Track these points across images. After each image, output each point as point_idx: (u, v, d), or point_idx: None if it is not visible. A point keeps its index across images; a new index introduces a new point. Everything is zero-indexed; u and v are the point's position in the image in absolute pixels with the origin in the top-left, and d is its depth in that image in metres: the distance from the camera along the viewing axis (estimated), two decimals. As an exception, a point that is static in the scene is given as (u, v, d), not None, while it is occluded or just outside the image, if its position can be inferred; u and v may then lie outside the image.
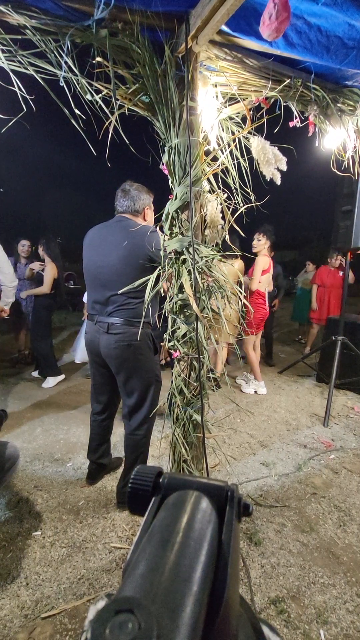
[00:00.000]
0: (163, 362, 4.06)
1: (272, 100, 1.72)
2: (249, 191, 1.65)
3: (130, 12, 1.27)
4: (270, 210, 1.78)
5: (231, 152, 1.63)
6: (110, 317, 1.68)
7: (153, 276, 1.54)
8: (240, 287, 1.63)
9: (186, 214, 1.50)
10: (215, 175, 1.59)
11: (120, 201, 1.74)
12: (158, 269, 1.55)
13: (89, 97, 1.41)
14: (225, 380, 3.43)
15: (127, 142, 1.46)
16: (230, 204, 1.62)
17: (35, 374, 4.01)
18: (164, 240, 1.55)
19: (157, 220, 1.62)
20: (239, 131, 1.68)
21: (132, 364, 1.71)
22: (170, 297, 1.58)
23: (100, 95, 1.42)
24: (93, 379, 1.94)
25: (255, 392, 3.62)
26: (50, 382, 3.76)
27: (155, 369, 1.79)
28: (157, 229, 1.64)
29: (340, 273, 4.98)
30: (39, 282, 3.79)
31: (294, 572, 1.51)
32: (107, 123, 1.45)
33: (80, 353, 3.73)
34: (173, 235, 1.54)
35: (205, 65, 1.54)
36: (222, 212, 1.61)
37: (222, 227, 1.63)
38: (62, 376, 3.90)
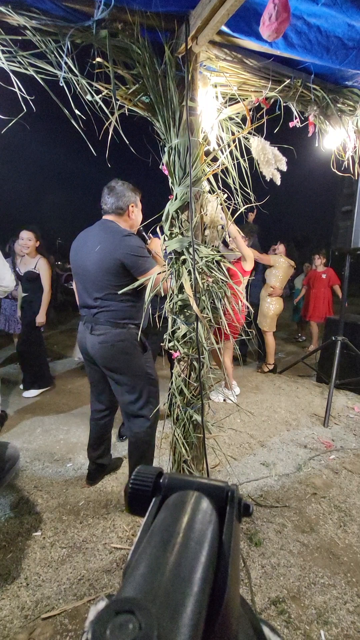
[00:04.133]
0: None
1: (272, 100, 1.72)
2: (249, 191, 1.65)
3: (130, 13, 1.28)
4: (270, 211, 1.78)
5: (231, 153, 1.63)
6: (94, 318, 1.72)
7: (155, 279, 1.54)
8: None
9: (186, 214, 1.50)
10: (215, 176, 1.59)
11: (105, 198, 1.72)
12: (159, 270, 1.55)
13: (89, 97, 1.41)
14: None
15: (127, 142, 1.46)
16: (230, 204, 1.63)
17: (26, 394, 3.42)
18: (164, 240, 1.55)
19: (155, 221, 1.62)
20: (239, 131, 1.68)
21: (118, 364, 1.72)
22: (170, 297, 1.59)
23: (100, 95, 1.42)
24: (90, 377, 1.95)
25: (225, 400, 3.41)
26: (33, 392, 3.42)
27: (145, 368, 1.79)
28: (136, 231, 1.61)
29: (323, 276, 5.14)
30: (30, 281, 3.31)
31: (295, 573, 1.51)
32: (107, 123, 1.45)
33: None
34: (173, 235, 1.54)
35: (205, 65, 1.54)
36: (222, 212, 1.61)
37: (222, 227, 1.63)
38: (49, 387, 3.57)
